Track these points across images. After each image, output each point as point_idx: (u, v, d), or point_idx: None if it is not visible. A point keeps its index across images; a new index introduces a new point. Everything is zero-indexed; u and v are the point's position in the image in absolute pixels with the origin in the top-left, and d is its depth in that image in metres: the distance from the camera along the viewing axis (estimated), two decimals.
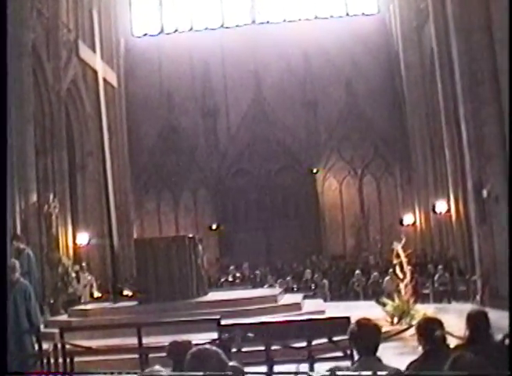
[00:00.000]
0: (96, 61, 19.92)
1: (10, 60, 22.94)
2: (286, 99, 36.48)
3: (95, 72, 20.75)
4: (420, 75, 32.23)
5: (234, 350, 10.73)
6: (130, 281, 25.10)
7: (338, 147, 36.85)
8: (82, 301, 23.80)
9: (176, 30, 38.69)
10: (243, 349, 11.01)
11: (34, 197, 23.12)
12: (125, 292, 20.96)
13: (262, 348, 11.32)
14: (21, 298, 12.71)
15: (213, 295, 18.42)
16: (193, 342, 6.17)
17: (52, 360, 12.33)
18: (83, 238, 28.97)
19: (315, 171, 36.58)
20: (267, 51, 36.05)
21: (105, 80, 20.55)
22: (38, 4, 26.94)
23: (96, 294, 25.72)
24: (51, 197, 24.66)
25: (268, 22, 38.13)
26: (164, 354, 6.63)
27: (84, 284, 25.42)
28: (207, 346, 4.17)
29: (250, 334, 11.34)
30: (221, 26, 38.40)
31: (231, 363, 4.15)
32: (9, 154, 22.37)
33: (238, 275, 32.22)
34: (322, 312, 16.50)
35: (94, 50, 20.51)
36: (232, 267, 32.95)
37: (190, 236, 18.37)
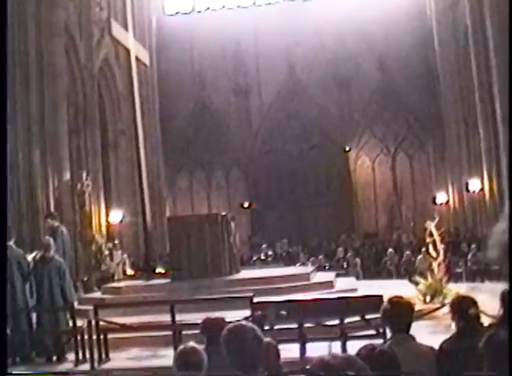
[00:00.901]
0: (129, 39, 19.91)
1: (43, 40, 23.11)
2: (318, 77, 36.29)
3: (127, 51, 20.73)
4: (453, 52, 31.92)
5: (267, 328, 10.75)
6: (163, 259, 25.23)
7: (371, 125, 36.65)
8: (115, 278, 23.98)
9: (208, 8, 38.59)
10: (276, 327, 11.03)
11: (67, 176, 23.29)
12: (158, 270, 21.05)
13: (295, 325, 11.33)
14: (56, 275, 12.85)
15: (245, 273, 18.46)
16: (227, 319, 6.20)
17: (86, 337, 12.44)
18: (116, 216, 29.12)
19: (347, 149, 36.44)
20: (299, 28, 35.82)
21: (137, 58, 20.54)
22: None
23: (129, 271, 25.89)
24: (84, 175, 24.78)
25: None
26: (197, 331, 6.68)
27: (117, 262, 25.59)
28: (244, 322, 4.18)
29: (283, 312, 11.36)
30: (254, 4, 38.25)
31: (266, 340, 4.15)
32: (40, 133, 22.58)
33: (270, 253, 32.27)
34: (355, 290, 16.46)
35: (126, 29, 20.49)
36: (264, 245, 32.99)
37: (223, 214, 18.39)
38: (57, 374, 10.68)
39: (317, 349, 10.23)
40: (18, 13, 22.81)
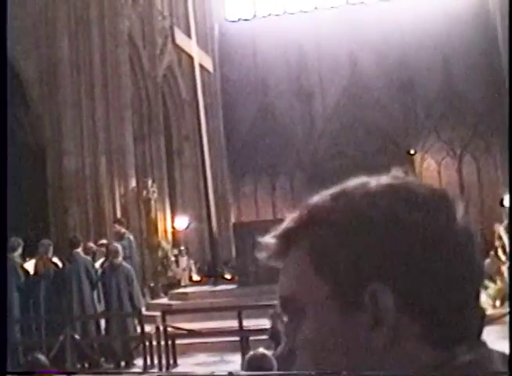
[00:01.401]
0: (192, 47, 20.06)
1: (107, 49, 23.40)
2: (382, 79, 36.02)
3: (190, 58, 20.89)
4: None
5: None
6: (228, 264, 25.29)
7: (436, 128, 36.22)
8: (182, 284, 24.12)
9: (270, 14, 38.65)
10: None
11: (133, 183, 23.51)
12: (224, 275, 21.11)
13: None
14: (124, 281, 12.97)
15: None
16: None
17: (154, 343, 12.52)
18: (181, 222, 29.29)
19: (412, 152, 36.05)
20: (362, 32, 35.61)
21: (201, 65, 20.69)
22: None
23: (195, 277, 25.99)
24: (149, 182, 25.01)
25: (362, 2, 37.69)
26: (264, 337, 6.64)
27: (183, 268, 25.75)
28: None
29: None
30: (316, 8, 38.18)
31: None
32: (106, 141, 22.85)
33: None
34: None
35: (189, 36, 20.64)
36: None
37: None
38: (58, 373, 10.75)
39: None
40: (82, 23, 23.15)
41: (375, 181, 1.19)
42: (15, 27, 24.80)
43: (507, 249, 16.99)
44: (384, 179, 1.22)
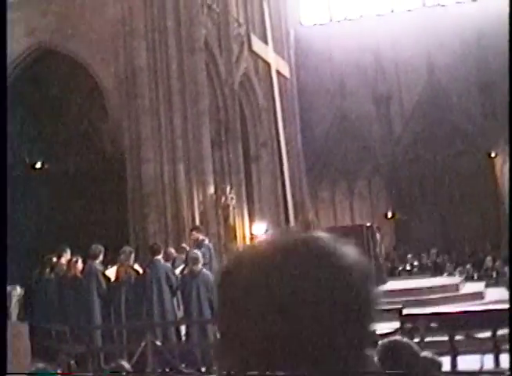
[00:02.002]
0: (269, 53, 20.10)
1: (184, 56, 23.61)
2: (460, 81, 35.51)
3: (266, 64, 20.93)
4: None
5: (416, 340, 10.52)
6: None
7: None
8: None
9: (345, 18, 38.52)
10: (426, 339, 10.78)
11: (211, 189, 23.63)
12: None
13: (445, 338, 11.04)
14: (204, 288, 13.02)
15: (392, 284, 18.20)
16: (376, 332, 6.06)
17: None
18: (259, 228, 29.29)
19: (492, 155, 35.43)
20: (439, 34, 35.20)
21: (278, 71, 20.70)
22: (209, 0, 27.48)
23: None
24: (227, 188, 25.12)
25: (439, 5, 37.24)
26: None
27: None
28: (398, 338, 4.03)
29: (433, 324, 11.10)
30: (392, 11, 37.89)
31: (423, 354, 3.99)
32: (184, 148, 23.03)
33: (416, 263, 31.72)
34: (506, 301, 15.92)
35: (265, 42, 20.68)
36: (409, 255, 32.47)
37: (368, 224, 18.25)
38: (57, 373, 10.77)
39: (468, 362, 9.93)
40: (158, 30, 23.40)
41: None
42: (94, 37, 25.31)
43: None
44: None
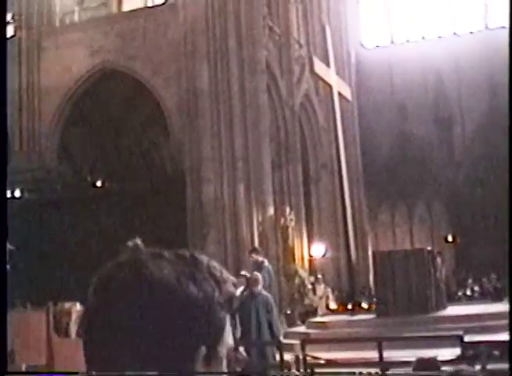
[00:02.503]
0: (330, 75, 20.08)
1: (245, 78, 23.72)
2: None
3: (327, 85, 20.90)
4: None
5: (478, 368, 10.32)
6: (366, 293, 25.02)
7: None
8: (319, 313, 23.99)
9: (407, 40, 38.35)
10: (488, 367, 10.56)
11: (271, 210, 23.63)
12: (362, 304, 20.89)
13: (507, 365, 10.80)
14: (263, 309, 12.97)
15: (452, 309, 17.95)
16: (438, 358, 5.97)
17: (293, 371, 12.45)
18: (318, 250, 29.21)
19: None
20: (501, 56, 34.65)
21: (339, 93, 20.66)
22: (270, 22, 27.60)
23: (332, 305, 25.83)
24: (287, 209, 25.10)
25: (503, 27, 36.84)
26: (404, 369, 6.48)
27: (320, 296, 25.61)
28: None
29: (496, 352, 10.86)
30: (453, 33, 37.62)
31: None
32: (244, 169, 23.10)
33: (476, 288, 31.24)
34: None
35: (326, 64, 20.66)
36: (469, 280, 32.00)
37: (429, 248, 18.07)
38: (56, 373, 10.71)
39: None
40: (220, 52, 23.57)
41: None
42: (156, 58, 25.60)
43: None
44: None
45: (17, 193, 24.51)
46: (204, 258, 1.43)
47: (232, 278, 1.43)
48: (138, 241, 1.45)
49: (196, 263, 1.40)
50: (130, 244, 1.47)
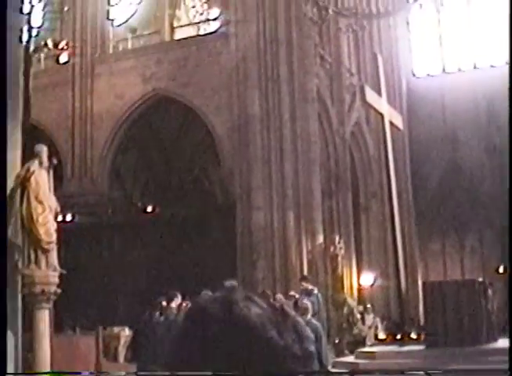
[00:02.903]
0: (382, 104, 19.99)
1: (296, 106, 23.78)
2: None
3: (378, 114, 20.77)
4: None
5: None
6: (415, 324, 24.73)
7: None
8: (367, 342, 23.77)
9: (458, 69, 38.15)
10: None
11: (320, 238, 23.57)
12: (412, 335, 20.63)
13: None
14: (312, 338, 12.92)
15: (503, 342, 17.63)
16: None
17: None
18: (367, 279, 29.02)
19: None
20: None
21: (390, 122, 20.57)
22: (321, 50, 27.70)
23: (381, 335, 25.56)
24: (336, 238, 25.03)
25: None
26: None
27: (368, 325, 25.39)
28: None
29: None
30: (506, 63, 37.31)
31: None
32: (294, 197, 23.10)
33: None
34: None
35: (378, 92, 20.57)
36: None
37: (480, 280, 17.82)
38: (56, 373, 10.62)
39: None
40: (272, 79, 23.68)
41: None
42: (208, 85, 25.81)
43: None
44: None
45: (69, 218, 24.79)
46: (292, 313, 1.58)
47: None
48: (235, 283, 1.54)
49: (284, 315, 1.51)
50: (227, 284, 1.64)
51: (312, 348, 12.44)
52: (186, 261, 23.85)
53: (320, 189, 24.43)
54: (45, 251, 11.23)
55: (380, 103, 19.96)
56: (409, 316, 25.45)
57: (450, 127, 36.54)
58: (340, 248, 24.78)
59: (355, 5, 30.88)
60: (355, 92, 28.36)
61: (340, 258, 24.64)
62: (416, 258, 33.82)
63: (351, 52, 31.87)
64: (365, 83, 26.56)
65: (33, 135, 13.87)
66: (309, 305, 13.56)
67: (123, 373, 11.74)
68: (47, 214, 11.28)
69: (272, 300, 14.51)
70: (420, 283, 29.82)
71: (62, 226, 12.38)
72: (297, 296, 15.79)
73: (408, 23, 38.58)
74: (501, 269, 34.80)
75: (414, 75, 38.44)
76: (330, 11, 27.13)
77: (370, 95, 19.87)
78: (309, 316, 13.16)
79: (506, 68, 36.67)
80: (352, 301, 25.04)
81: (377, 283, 29.34)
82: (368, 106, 24.29)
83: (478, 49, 37.93)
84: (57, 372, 11.01)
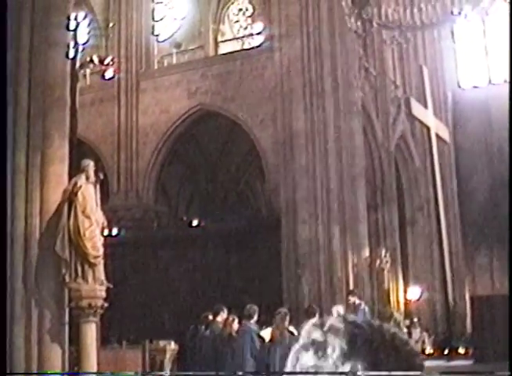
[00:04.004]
0: (428, 117, 19.91)
1: (341, 119, 23.71)
2: None
3: (424, 126, 20.70)
4: None
5: None
6: (463, 338, 24.44)
7: None
8: None
9: (504, 81, 37.75)
10: None
11: (366, 252, 23.43)
12: (459, 350, 20.41)
13: None
14: None
15: None
16: None
17: None
18: (414, 293, 28.76)
19: None
20: None
21: (436, 135, 20.45)
22: (366, 63, 27.63)
23: (429, 350, 25.30)
24: (382, 251, 24.86)
25: None
26: None
27: (415, 340, 25.14)
28: None
29: None
30: None
31: None
32: (340, 210, 22.99)
33: None
34: None
35: (423, 105, 20.49)
36: None
37: None
38: (56, 373, 10.53)
39: None
40: (316, 93, 23.64)
41: None
42: (252, 99, 25.89)
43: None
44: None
45: (115, 232, 24.98)
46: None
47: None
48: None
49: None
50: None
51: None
52: (232, 274, 23.87)
53: (365, 202, 24.29)
54: (92, 265, 11.32)
55: (426, 116, 19.87)
56: (456, 330, 25.18)
57: (496, 139, 36.10)
58: (386, 262, 24.62)
59: (399, 17, 30.71)
60: (400, 104, 28.22)
61: (386, 272, 24.47)
62: (463, 271, 33.45)
63: (395, 64, 31.74)
64: (411, 95, 26.45)
65: (79, 150, 14.01)
66: (356, 319, 13.46)
67: (128, 372, 11.75)
68: (94, 228, 11.37)
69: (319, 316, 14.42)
70: (467, 297, 29.49)
71: (108, 240, 12.47)
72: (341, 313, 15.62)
73: (453, 34, 38.30)
74: None
75: (460, 87, 38.13)
76: (374, 24, 27.03)
77: (416, 108, 19.80)
78: None
79: None
80: (399, 316, 24.78)
81: (424, 297, 29.05)
82: (413, 118, 24.19)
83: None
84: (57, 372, 11.07)
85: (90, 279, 11.33)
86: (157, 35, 31.55)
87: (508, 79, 17.09)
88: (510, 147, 17.77)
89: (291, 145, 23.30)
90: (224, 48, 32.57)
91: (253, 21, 32.84)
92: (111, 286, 11.82)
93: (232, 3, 35.61)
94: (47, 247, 11.21)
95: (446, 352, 19.48)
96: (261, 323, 15.06)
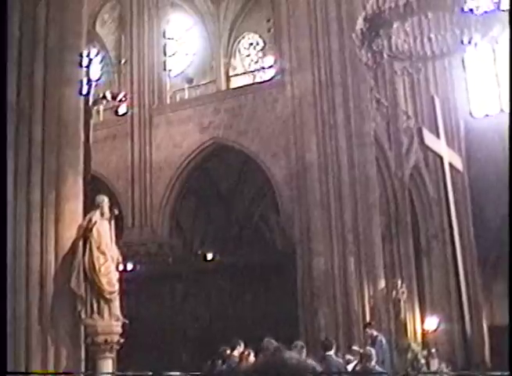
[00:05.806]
0: (441, 146, 19.81)
1: (354, 150, 23.72)
2: None
3: (437, 156, 20.57)
4: None
5: None
6: (482, 368, 24.22)
7: None
8: None
9: None
10: None
11: (382, 283, 23.32)
12: None
13: None
14: None
15: None
16: None
17: None
18: (431, 323, 28.55)
19: None
20: None
21: (450, 164, 20.39)
22: (377, 94, 27.69)
23: None
24: (398, 282, 24.74)
25: None
26: None
27: (434, 370, 24.94)
28: None
29: None
30: None
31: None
32: (355, 242, 22.93)
33: None
34: None
35: (435, 134, 20.42)
36: None
37: None
38: (56, 373, 10.45)
39: None
40: (329, 125, 23.69)
41: None
42: (265, 132, 25.98)
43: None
44: None
45: (130, 267, 25.00)
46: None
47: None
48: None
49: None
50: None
51: None
52: (248, 308, 23.80)
53: (380, 233, 24.21)
54: (108, 301, 11.33)
55: (439, 145, 19.77)
56: (474, 360, 24.95)
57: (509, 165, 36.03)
58: (403, 292, 24.48)
59: (410, 48, 30.81)
60: (412, 134, 28.21)
61: (402, 303, 24.33)
62: (480, 300, 33.21)
63: (407, 94, 31.82)
64: (423, 125, 26.44)
65: (94, 186, 14.07)
66: (373, 352, 13.37)
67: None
68: (109, 264, 11.40)
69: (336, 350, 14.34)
70: (485, 326, 29.27)
71: (123, 275, 12.48)
72: (360, 351, 15.46)
73: (463, 64, 38.39)
74: None
75: (472, 116, 38.16)
76: (385, 55, 27.12)
77: (428, 138, 19.69)
78: (373, 362, 12.97)
79: None
80: (416, 346, 24.63)
81: (441, 327, 28.81)
82: (426, 148, 24.11)
83: None
84: (56, 372, 11.03)
85: (106, 315, 11.34)
86: (169, 70, 31.80)
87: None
88: (510, 141, 17.71)
89: (305, 177, 23.32)
90: (235, 83, 32.79)
91: (264, 55, 33.08)
92: (127, 321, 11.82)
93: (243, 37, 35.91)
94: (62, 284, 11.23)
95: None
96: None
